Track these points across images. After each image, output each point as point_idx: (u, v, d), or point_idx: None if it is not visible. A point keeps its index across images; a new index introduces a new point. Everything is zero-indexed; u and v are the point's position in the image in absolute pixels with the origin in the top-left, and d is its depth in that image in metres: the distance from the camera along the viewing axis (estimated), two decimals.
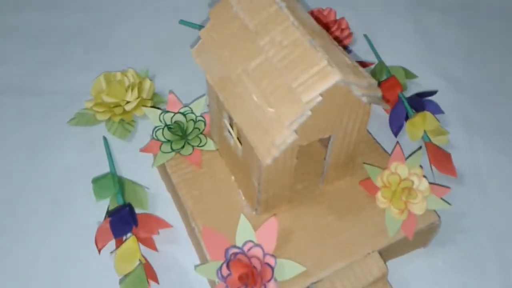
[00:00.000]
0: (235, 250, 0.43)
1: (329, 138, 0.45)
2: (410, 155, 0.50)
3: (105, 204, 0.53)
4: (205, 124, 0.53)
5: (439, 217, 0.49)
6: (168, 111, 0.53)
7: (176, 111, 0.53)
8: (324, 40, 0.38)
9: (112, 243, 0.50)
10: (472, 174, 0.59)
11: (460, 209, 0.55)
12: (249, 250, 0.43)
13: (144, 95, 0.64)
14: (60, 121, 0.63)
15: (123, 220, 0.48)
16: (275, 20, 0.39)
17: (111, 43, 0.74)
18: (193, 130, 0.52)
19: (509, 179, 0.59)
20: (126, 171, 0.58)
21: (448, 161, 0.56)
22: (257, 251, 0.43)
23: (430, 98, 0.63)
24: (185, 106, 0.54)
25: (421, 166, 0.50)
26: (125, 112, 0.62)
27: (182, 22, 0.77)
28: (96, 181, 0.54)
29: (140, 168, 0.58)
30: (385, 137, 0.60)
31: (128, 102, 0.62)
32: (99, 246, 0.48)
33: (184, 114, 0.53)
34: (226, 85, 0.42)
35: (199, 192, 0.50)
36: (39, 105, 0.65)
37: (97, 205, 0.53)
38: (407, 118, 0.61)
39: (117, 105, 0.62)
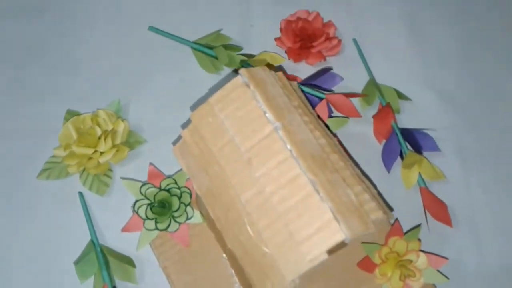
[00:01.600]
0: None
1: None
2: (408, 231, 0.48)
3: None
4: (190, 196, 0.49)
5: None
6: (149, 184, 0.49)
7: (158, 184, 0.49)
8: (327, 172, 0.34)
9: None
10: (465, 216, 0.57)
11: (455, 256, 0.55)
12: None
13: (119, 140, 0.58)
14: (30, 171, 0.58)
15: None
16: (269, 147, 0.34)
17: (74, 62, 0.66)
18: (179, 206, 0.49)
19: (504, 220, 0.58)
20: (108, 231, 0.54)
21: (443, 211, 0.55)
22: None
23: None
24: (168, 177, 0.50)
25: (419, 240, 0.48)
26: (99, 164, 0.57)
27: (151, 29, 0.69)
28: (78, 262, 0.51)
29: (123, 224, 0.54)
30: (378, 169, 0.58)
31: (102, 153, 0.57)
32: None
33: (167, 190, 0.49)
34: (216, 201, 0.38)
35: (190, 278, 0.48)
36: (3, 152, 0.59)
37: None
38: (401, 152, 0.59)
39: (90, 158, 0.57)
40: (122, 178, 0.52)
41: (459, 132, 0.63)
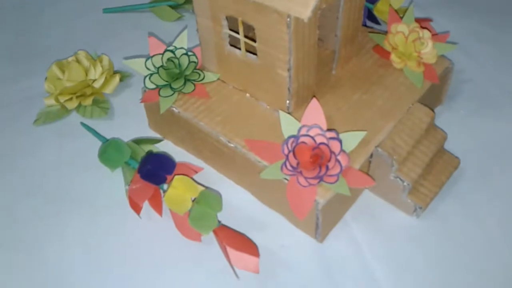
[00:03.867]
0: (294, 138, 0.40)
1: (336, 13, 0.44)
2: (403, 15, 0.51)
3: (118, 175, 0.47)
4: (197, 58, 0.50)
5: (450, 60, 0.51)
6: (154, 55, 0.49)
7: (163, 52, 0.49)
8: None
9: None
10: (454, 38, 0.61)
11: (458, 67, 0.57)
12: (308, 131, 0.40)
13: (107, 72, 0.58)
14: (26, 128, 0.55)
15: (158, 166, 0.43)
16: None
17: (42, 46, 0.67)
18: (189, 64, 0.49)
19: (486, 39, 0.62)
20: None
21: (429, 26, 0.58)
22: (316, 130, 0.40)
23: None
24: (169, 45, 0.50)
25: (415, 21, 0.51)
26: (95, 91, 0.56)
27: (106, 10, 0.73)
28: (101, 154, 0.48)
29: (135, 134, 0.52)
30: None
31: (94, 80, 0.56)
32: (138, 208, 0.43)
33: (173, 52, 0.49)
34: None
35: (221, 117, 0.46)
36: None
37: (109, 182, 0.47)
38: (369, 15, 0.63)
39: (83, 87, 0.56)
40: (125, 58, 0.51)
41: None
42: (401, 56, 0.49)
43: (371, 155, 0.43)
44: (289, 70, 0.42)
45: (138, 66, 0.49)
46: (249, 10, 0.40)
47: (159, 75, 0.48)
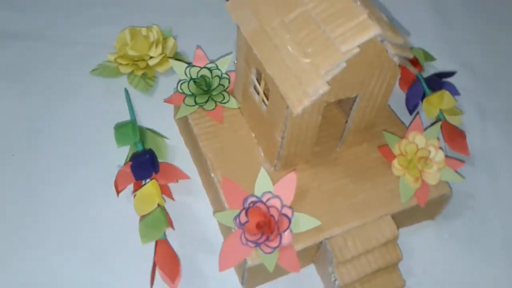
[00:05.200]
0: (254, 199, 0.44)
1: (353, 102, 0.46)
2: (428, 127, 0.51)
3: (125, 150, 0.54)
4: (229, 82, 0.54)
5: (451, 189, 0.51)
6: (194, 66, 0.54)
7: (202, 66, 0.54)
8: None
9: (129, 189, 0.51)
10: (482, 156, 0.60)
11: (469, 188, 0.57)
12: (267, 200, 0.44)
13: (167, 53, 0.64)
14: (83, 71, 0.64)
15: (145, 164, 0.49)
16: None
17: (136, 2, 0.74)
18: (217, 86, 0.53)
19: None
20: (146, 124, 0.58)
21: (461, 139, 0.57)
22: (275, 202, 0.44)
23: (447, 79, 0.64)
24: (211, 62, 0.55)
25: (438, 139, 0.51)
26: (148, 66, 0.63)
27: None
28: (118, 128, 0.55)
29: (159, 121, 0.59)
30: (400, 115, 0.62)
31: (151, 57, 0.63)
32: (119, 188, 0.50)
33: (210, 70, 0.54)
34: (260, 37, 0.43)
35: (220, 145, 0.51)
36: (61, 53, 0.66)
37: (117, 151, 0.54)
38: (423, 98, 0.62)
39: (140, 59, 0.63)
40: (170, 58, 0.57)
41: (477, 92, 0.67)
42: (404, 165, 0.50)
43: (321, 242, 0.46)
44: (282, 138, 0.45)
45: (179, 69, 0.55)
46: (268, 76, 0.44)
47: (188, 86, 0.53)
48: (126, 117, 0.58)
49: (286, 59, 0.40)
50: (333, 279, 0.46)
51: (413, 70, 0.44)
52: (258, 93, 0.49)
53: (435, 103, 0.60)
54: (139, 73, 0.62)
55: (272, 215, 0.43)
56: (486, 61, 0.72)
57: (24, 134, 0.57)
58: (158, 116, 0.59)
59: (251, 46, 0.44)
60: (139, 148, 0.53)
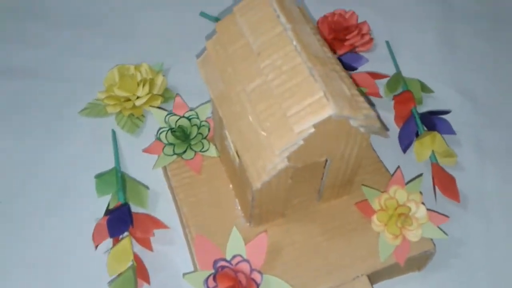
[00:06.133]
0: (223, 263, 0.44)
1: (322, 165, 0.45)
2: (411, 180, 0.50)
3: (106, 200, 0.54)
4: (209, 130, 0.53)
5: (434, 245, 0.49)
6: (173, 114, 0.54)
7: (182, 114, 0.54)
8: (326, 68, 0.38)
9: (109, 240, 0.51)
10: (477, 199, 0.58)
11: (459, 234, 0.54)
12: (237, 264, 0.44)
13: (155, 91, 0.64)
14: (73, 109, 0.64)
15: (120, 219, 0.50)
16: (278, 43, 0.38)
17: (131, 32, 0.74)
18: (196, 135, 0.53)
19: None
20: (131, 167, 0.59)
21: (452, 185, 0.55)
22: (244, 266, 0.44)
23: (443, 116, 0.62)
24: (191, 110, 0.54)
25: (421, 193, 0.49)
26: (135, 107, 0.63)
27: (202, 14, 0.77)
28: (99, 176, 0.55)
29: (145, 164, 0.58)
30: (393, 152, 0.60)
31: (138, 97, 0.63)
32: (96, 242, 0.50)
33: (188, 119, 0.53)
34: (225, 101, 0.42)
35: (195, 199, 0.50)
36: (53, 91, 0.66)
37: (98, 200, 0.54)
38: (417, 135, 0.60)
39: (127, 100, 0.63)
40: (151, 106, 0.57)
41: (477, 127, 0.64)
42: (384, 221, 0.48)
43: None
44: (252, 200, 0.44)
45: (159, 117, 0.55)
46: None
47: (166, 135, 0.53)
48: (112, 161, 0.59)
49: (247, 129, 0.39)
50: None
51: (385, 135, 0.42)
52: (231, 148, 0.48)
53: (426, 145, 0.58)
54: (126, 113, 0.62)
55: (239, 281, 0.43)
56: (490, 90, 0.69)
57: (8, 179, 0.58)
58: (144, 158, 0.59)
59: (217, 108, 0.43)
60: (120, 197, 0.53)
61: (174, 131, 0.53)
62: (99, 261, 0.51)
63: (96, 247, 0.50)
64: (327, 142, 0.39)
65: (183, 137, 0.53)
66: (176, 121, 0.53)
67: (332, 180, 0.47)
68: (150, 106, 0.59)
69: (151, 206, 0.56)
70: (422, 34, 0.75)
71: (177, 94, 0.56)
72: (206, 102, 0.55)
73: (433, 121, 0.61)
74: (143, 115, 0.64)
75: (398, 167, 0.51)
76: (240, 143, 0.39)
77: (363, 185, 0.50)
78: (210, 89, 0.44)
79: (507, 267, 0.53)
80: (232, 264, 0.44)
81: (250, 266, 0.43)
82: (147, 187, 0.56)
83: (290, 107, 0.36)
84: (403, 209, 0.47)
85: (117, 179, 0.55)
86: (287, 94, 0.36)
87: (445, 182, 0.55)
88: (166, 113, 0.54)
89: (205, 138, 0.53)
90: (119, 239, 0.50)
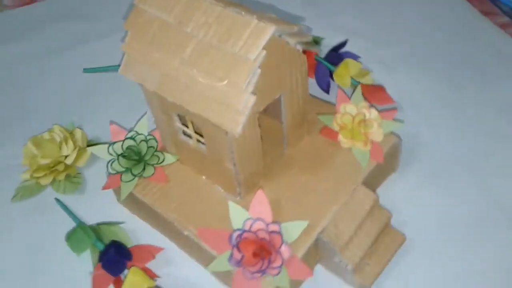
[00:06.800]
0: (239, 232, 0.43)
1: (279, 103, 0.47)
2: (351, 94, 0.54)
3: (87, 258, 0.50)
4: (156, 141, 0.53)
5: (398, 136, 0.53)
6: (115, 142, 0.52)
7: (123, 138, 0.52)
8: (243, 7, 0.40)
9: None
10: (404, 99, 0.64)
11: (410, 130, 0.60)
12: (251, 226, 0.43)
13: (80, 145, 0.61)
14: (4, 203, 0.59)
15: (115, 257, 0.46)
16: (192, 6, 0.40)
17: (24, 108, 0.71)
18: (148, 149, 0.52)
19: (442, 99, 0.64)
20: (93, 221, 0.55)
21: (382, 92, 0.61)
22: (259, 225, 0.43)
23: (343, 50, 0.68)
24: (130, 131, 0.53)
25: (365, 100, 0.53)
26: (67, 167, 0.60)
27: (86, 70, 0.76)
28: (69, 238, 0.51)
29: (105, 212, 0.55)
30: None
31: (66, 156, 0.60)
32: None
33: (133, 138, 0.52)
34: (168, 84, 0.43)
35: (176, 204, 0.49)
36: None
37: (79, 261, 0.50)
38: (331, 75, 0.65)
39: (56, 163, 0.59)
40: (89, 145, 0.55)
41: (375, 51, 0.72)
42: (348, 136, 0.51)
43: (317, 239, 0.46)
44: (234, 165, 0.45)
45: (101, 153, 0.53)
46: (193, 115, 0.43)
47: (119, 162, 0.51)
48: (70, 226, 0.55)
49: (202, 91, 0.40)
50: (344, 265, 0.45)
51: (316, 49, 0.46)
52: (190, 137, 0.48)
53: (343, 74, 0.63)
54: (62, 177, 0.59)
55: (263, 238, 0.43)
56: (366, 24, 0.77)
57: None
58: (101, 208, 0.56)
59: (163, 96, 0.43)
60: (99, 247, 0.50)
61: (125, 155, 0.51)
62: None
63: None
64: (276, 72, 0.41)
65: (136, 156, 0.51)
66: (122, 145, 0.52)
67: (290, 119, 0.49)
68: (89, 147, 0.57)
69: (133, 241, 0.53)
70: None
71: (111, 122, 0.55)
72: (139, 118, 0.54)
73: (339, 55, 0.66)
74: (78, 173, 0.61)
75: (338, 87, 0.55)
76: (203, 108, 0.40)
77: (317, 114, 0.53)
78: (147, 85, 0.44)
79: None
80: (247, 229, 0.43)
81: (264, 222, 0.43)
82: (120, 224, 0.53)
83: (234, 45, 0.38)
84: (360, 117, 0.51)
85: (87, 232, 0.51)
86: (225, 38, 0.38)
87: (375, 94, 0.60)
88: (106, 145, 0.52)
89: (156, 150, 0.53)
90: (121, 279, 0.47)
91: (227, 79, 0.38)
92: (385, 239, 0.49)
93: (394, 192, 0.55)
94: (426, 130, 0.61)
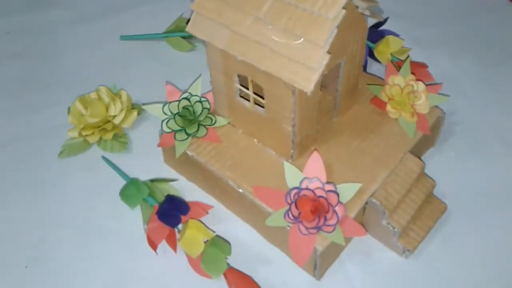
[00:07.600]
0: (296, 190, 0.45)
1: (338, 70, 0.49)
2: (400, 67, 0.55)
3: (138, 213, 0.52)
4: (209, 103, 0.54)
5: (442, 109, 0.55)
6: (170, 102, 0.54)
7: (178, 99, 0.54)
8: None
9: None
10: (444, 79, 0.66)
11: (449, 107, 0.62)
12: (308, 185, 0.45)
13: (125, 105, 0.63)
14: (51, 159, 0.60)
15: (173, 209, 0.48)
16: None
17: (61, 74, 0.72)
18: (202, 110, 0.53)
19: (477, 77, 0.67)
20: (141, 179, 0.57)
21: (424, 70, 0.62)
22: (315, 184, 0.45)
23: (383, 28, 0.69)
24: (184, 92, 0.55)
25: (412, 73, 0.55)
26: (115, 126, 0.61)
27: (123, 37, 0.77)
28: (122, 193, 0.53)
29: (151, 172, 0.57)
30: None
31: (114, 116, 0.61)
32: (156, 244, 0.48)
33: (188, 99, 0.54)
34: (238, 42, 0.44)
35: (231, 162, 0.51)
36: (20, 152, 0.62)
37: (131, 215, 0.52)
38: (371, 53, 0.67)
39: (104, 122, 0.61)
40: (144, 104, 0.56)
41: (413, 30, 0.73)
42: (397, 107, 0.53)
43: (366, 202, 0.48)
44: (293, 126, 0.46)
45: (156, 111, 0.54)
46: (259, 74, 0.45)
47: (175, 121, 0.53)
48: (120, 184, 0.56)
49: (276, 50, 0.42)
50: (391, 228, 0.48)
51: (380, 17, 0.47)
52: (247, 99, 0.50)
53: (384, 50, 0.65)
54: (109, 136, 0.60)
55: (321, 196, 0.44)
56: (403, 5, 0.79)
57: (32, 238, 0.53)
58: (147, 167, 0.58)
59: (231, 54, 0.45)
60: (151, 202, 0.52)
61: (181, 115, 0.53)
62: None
63: (156, 249, 0.48)
64: (345, 35, 0.43)
65: (191, 116, 0.53)
66: (178, 105, 0.53)
67: (345, 86, 0.51)
68: (144, 105, 0.57)
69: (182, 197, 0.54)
70: None
71: (167, 82, 0.56)
72: (194, 80, 0.55)
73: (377, 33, 0.68)
74: (125, 134, 0.62)
75: (389, 60, 0.57)
76: (275, 66, 0.42)
77: (368, 84, 0.55)
78: (215, 43, 0.45)
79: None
80: (304, 188, 0.45)
81: (321, 181, 0.45)
82: (172, 180, 0.55)
83: (314, 4, 0.39)
84: (408, 88, 0.53)
85: (139, 187, 0.53)
86: None
87: (419, 71, 0.62)
88: (161, 104, 0.54)
89: (209, 112, 0.54)
90: (175, 232, 0.49)
91: (303, 37, 0.40)
92: (428, 207, 0.51)
93: (432, 166, 0.57)
94: (461, 108, 0.63)
